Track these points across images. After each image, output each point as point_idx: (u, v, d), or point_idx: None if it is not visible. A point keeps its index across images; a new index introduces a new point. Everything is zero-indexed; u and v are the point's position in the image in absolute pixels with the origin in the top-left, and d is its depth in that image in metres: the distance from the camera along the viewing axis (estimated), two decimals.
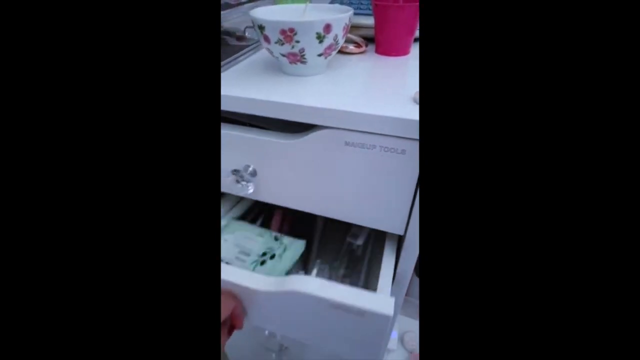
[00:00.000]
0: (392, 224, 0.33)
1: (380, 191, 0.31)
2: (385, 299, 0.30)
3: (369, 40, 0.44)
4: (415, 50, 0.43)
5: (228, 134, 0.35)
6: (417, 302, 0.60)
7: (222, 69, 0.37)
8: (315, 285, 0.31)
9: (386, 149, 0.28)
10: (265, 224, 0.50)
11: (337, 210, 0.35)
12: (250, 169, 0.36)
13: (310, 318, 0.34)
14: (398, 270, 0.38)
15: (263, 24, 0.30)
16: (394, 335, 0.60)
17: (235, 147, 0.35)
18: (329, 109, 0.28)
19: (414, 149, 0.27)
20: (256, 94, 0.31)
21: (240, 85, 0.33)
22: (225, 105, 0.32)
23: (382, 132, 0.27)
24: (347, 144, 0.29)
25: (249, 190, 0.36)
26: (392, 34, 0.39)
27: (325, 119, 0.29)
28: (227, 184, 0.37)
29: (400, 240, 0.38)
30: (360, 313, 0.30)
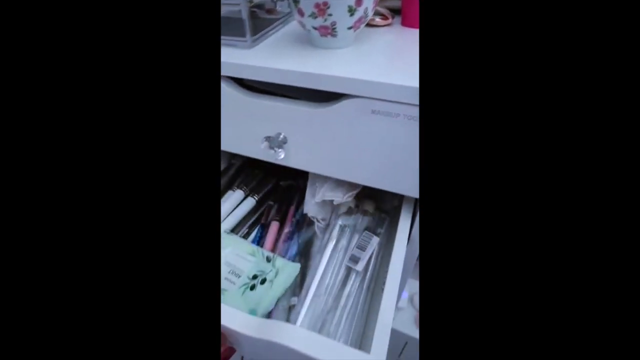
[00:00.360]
0: (413, 188, 0.37)
1: (403, 157, 0.34)
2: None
3: (395, 12, 0.45)
4: None
5: (261, 104, 0.38)
6: None
7: (254, 42, 0.40)
8: (300, 338, 0.28)
9: (409, 117, 0.31)
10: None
11: (362, 175, 0.39)
12: (282, 136, 0.39)
13: None
14: (412, 234, 0.42)
15: None
16: (405, 295, 0.65)
17: (268, 116, 0.39)
18: (357, 79, 0.31)
19: None
20: (288, 65, 0.34)
21: (273, 58, 0.36)
22: (259, 76, 0.35)
23: (406, 102, 0.30)
24: (373, 112, 0.32)
25: (280, 156, 0.40)
26: (418, 6, 0.40)
27: (353, 88, 0.31)
28: (261, 150, 0.41)
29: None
30: None
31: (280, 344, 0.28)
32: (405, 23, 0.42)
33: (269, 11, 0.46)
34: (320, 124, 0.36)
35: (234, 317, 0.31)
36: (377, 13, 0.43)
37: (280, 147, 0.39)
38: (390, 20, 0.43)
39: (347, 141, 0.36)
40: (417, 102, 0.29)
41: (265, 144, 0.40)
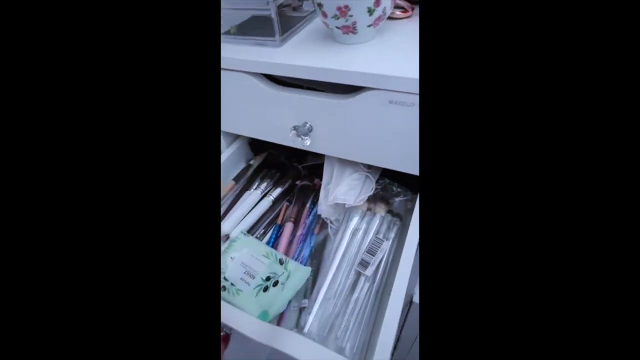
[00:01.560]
0: None
1: (416, 141, 0.38)
2: None
3: (415, 2, 0.47)
4: None
5: (289, 96, 0.43)
6: None
7: (283, 40, 0.44)
8: (307, 352, 0.30)
9: None
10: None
11: (380, 158, 0.43)
12: (307, 125, 0.44)
13: None
14: None
15: (321, 2, 0.36)
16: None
17: (295, 108, 0.43)
18: (375, 74, 0.34)
19: None
20: (313, 62, 0.38)
21: (300, 55, 0.40)
22: (288, 73, 0.40)
23: (418, 92, 0.33)
24: (390, 102, 0.36)
25: (307, 143, 0.45)
26: None
27: (372, 82, 0.35)
28: (289, 138, 0.46)
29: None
30: None
31: (288, 355, 0.30)
32: None
33: (295, 9, 0.50)
34: (342, 113, 0.40)
35: (244, 320, 0.34)
36: (397, 6, 0.45)
37: (306, 135, 0.44)
38: (410, 13, 0.45)
39: (366, 128, 0.40)
40: None
41: (294, 132, 0.45)
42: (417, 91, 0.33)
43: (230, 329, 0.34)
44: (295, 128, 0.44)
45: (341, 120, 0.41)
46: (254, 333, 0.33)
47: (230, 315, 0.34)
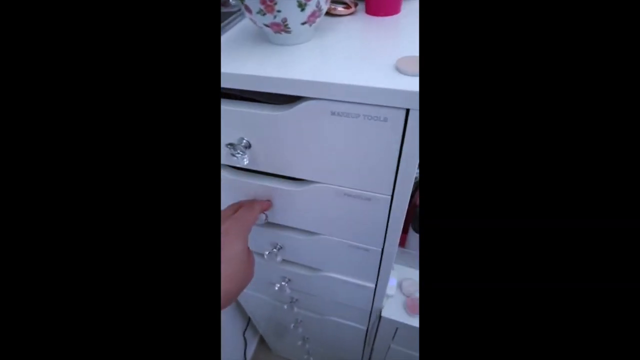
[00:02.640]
0: (379, 186, 0.36)
1: (366, 157, 0.33)
2: (387, 188, 0.35)
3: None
4: (405, 7, 0.41)
5: (222, 109, 0.36)
6: (415, 253, 0.64)
7: None
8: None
9: (369, 117, 0.29)
10: None
11: (327, 176, 0.38)
12: (245, 141, 0.38)
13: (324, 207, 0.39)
14: (389, 227, 0.41)
15: None
16: (393, 282, 0.66)
17: (229, 121, 0.37)
18: (314, 81, 0.29)
19: (395, 117, 0.29)
20: (244, 68, 0.32)
21: (228, 58, 0.34)
22: None
23: (365, 102, 0.28)
24: (333, 113, 0.31)
25: (245, 162, 0.39)
26: None
27: (311, 91, 0.30)
28: (224, 156, 0.40)
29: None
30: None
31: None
32: (369, 11, 0.40)
33: (224, 4, 0.43)
34: (281, 126, 0.34)
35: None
36: (339, 1, 0.40)
37: (244, 152, 0.38)
38: (353, 9, 0.40)
39: (309, 143, 0.34)
40: (376, 102, 0.28)
41: (227, 150, 0.38)
42: (364, 101, 0.28)
43: None
44: (229, 145, 0.38)
45: (281, 135, 0.35)
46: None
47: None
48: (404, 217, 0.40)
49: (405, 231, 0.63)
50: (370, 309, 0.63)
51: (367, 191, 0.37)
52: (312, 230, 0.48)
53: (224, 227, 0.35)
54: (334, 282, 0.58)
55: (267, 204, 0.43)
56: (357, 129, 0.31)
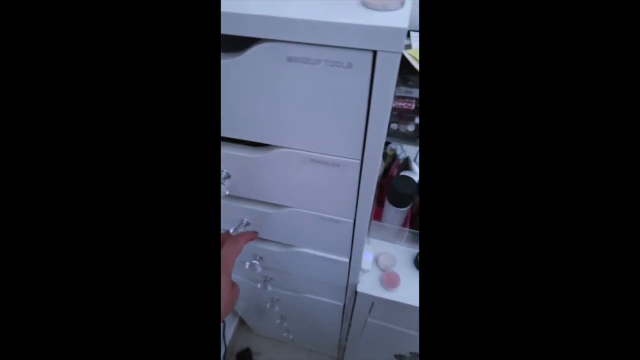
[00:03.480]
0: (347, 149, 0.32)
1: (331, 114, 0.29)
2: (356, 151, 0.32)
3: None
4: None
5: None
6: (390, 226, 0.62)
7: None
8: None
9: (331, 64, 0.25)
10: None
11: (289, 139, 0.33)
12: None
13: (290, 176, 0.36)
14: (360, 196, 0.38)
15: None
16: (369, 257, 0.64)
17: None
18: (267, 16, 0.24)
19: (360, 62, 0.24)
20: None
21: None
22: None
23: (327, 43, 0.24)
24: (290, 59, 0.26)
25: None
26: None
27: (263, 29, 0.25)
28: None
29: None
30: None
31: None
32: None
33: None
34: (233, 77, 0.30)
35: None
36: None
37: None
38: None
39: (266, 97, 0.30)
40: (339, 43, 0.24)
41: None
42: (324, 41, 0.24)
43: None
44: None
45: (231, 87, 0.30)
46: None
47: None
48: (376, 184, 0.37)
49: (380, 204, 0.61)
50: (345, 285, 0.61)
51: (334, 156, 0.33)
52: (279, 203, 0.44)
53: None
54: (307, 258, 0.55)
55: (253, 235, 0.45)
56: (319, 80, 0.26)
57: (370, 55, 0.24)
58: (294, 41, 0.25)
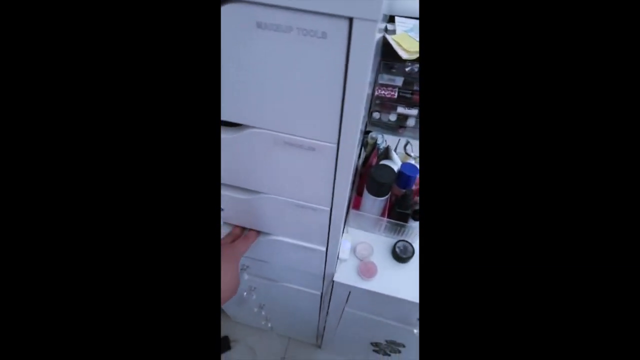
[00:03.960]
0: (323, 132, 0.30)
1: (304, 90, 0.27)
2: (332, 134, 0.30)
3: None
4: None
5: None
6: (368, 215, 0.61)
7: None
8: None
9: (304, 32, 0.23)
10: None
11: (262, 118, 0.31)
12: None
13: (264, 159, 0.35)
14: (337, 182, 0.36)
15: None
16: (347, 246, 0.63)
17: None
18: None
19: (335, 31, 0.22)
20: None
21: None
22: None
23: (298, 7, 0.21)
24: (259, 25, 0.23)
25: None
26: None
27: None
28: None
29: None
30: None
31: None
32: None
33: None
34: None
35: None
36: None
37: None
38: None
39: (234, 69, 0.27)
40: (312, 7, 0.21)
41: None
42: (297, 5, 0.21)
43: None
44: None
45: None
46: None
47: None
48: (353, 171, 0.35)
49: (360, 193, 0.60)
50: (323, 274, 0.60)
51: (309, 138, 0.31)
52: (253, 189, 0.42)
53: (226, 252, 0.45)
54: (283, 246, 0.53)
55: (258, 234, 0.52)
56: (291, 51, 0.24)
57: (346, 25, 0.21)
58: (264, 2, 0.22)
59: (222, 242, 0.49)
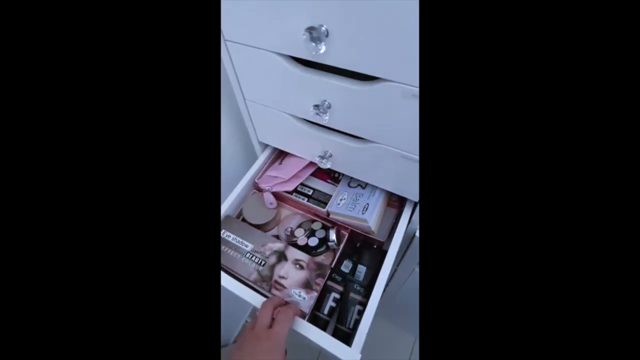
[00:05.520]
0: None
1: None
2: None
3: None
4: None
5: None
6: None
7: None
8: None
9: None
10: None
11: (396, 72, 0.36)
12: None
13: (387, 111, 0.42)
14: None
15: None
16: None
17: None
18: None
19: None
20: None
21: None
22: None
23: None
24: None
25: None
26: None
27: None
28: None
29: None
30: None
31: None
32: None
33: None
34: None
35: None
36: None
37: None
38: None
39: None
40: None
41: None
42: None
43: None
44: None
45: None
46: None
47: None
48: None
49: None
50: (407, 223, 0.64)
51: None
52: (369, 138, 0.47)
53: (267, 345, 0.36)
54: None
55: (298, 309, 0.44)
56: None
57: None
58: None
59: (256, 330, 0.37)
